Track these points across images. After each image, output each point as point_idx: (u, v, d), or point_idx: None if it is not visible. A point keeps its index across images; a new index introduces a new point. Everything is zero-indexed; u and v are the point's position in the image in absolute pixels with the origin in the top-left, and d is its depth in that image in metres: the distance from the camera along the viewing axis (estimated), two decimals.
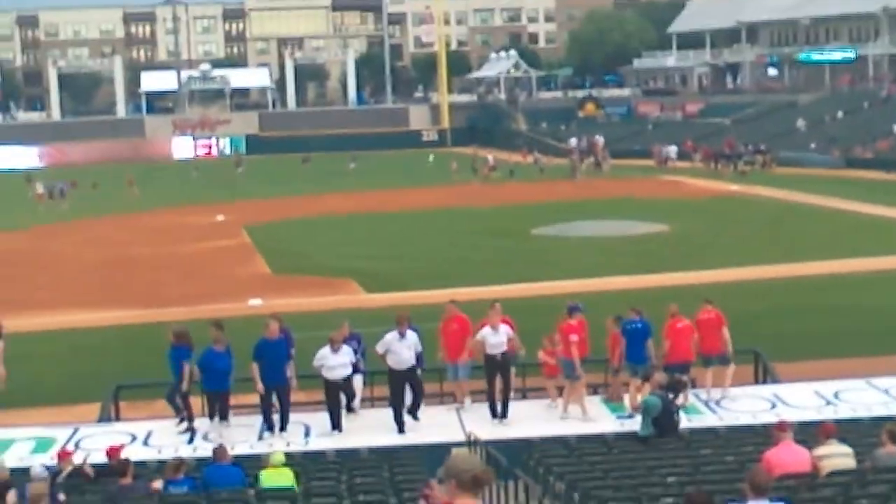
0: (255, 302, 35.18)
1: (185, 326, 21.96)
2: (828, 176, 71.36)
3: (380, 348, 20.35)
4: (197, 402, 21.40)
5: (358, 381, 21.37)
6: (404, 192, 71.25)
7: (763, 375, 23.50)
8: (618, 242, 47.71)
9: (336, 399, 20.49)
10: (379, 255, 45.94)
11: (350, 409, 21.10)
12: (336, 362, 20.14)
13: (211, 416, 20.82)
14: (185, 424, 20.88)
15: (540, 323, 23.19)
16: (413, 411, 20.51)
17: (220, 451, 16.06)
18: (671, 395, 17.83)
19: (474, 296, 30.93)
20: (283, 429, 20.49)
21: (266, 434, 20.45)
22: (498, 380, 20.77)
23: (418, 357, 20.68)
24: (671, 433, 17.69)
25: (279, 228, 56.35)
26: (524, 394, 22.49)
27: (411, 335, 20.26)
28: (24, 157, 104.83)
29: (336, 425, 20.46)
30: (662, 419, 17.45)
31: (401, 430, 20.25)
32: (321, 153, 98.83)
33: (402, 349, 20.07)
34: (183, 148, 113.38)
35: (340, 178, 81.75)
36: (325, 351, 20.21)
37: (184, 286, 39.99)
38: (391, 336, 20.17)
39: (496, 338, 20.31)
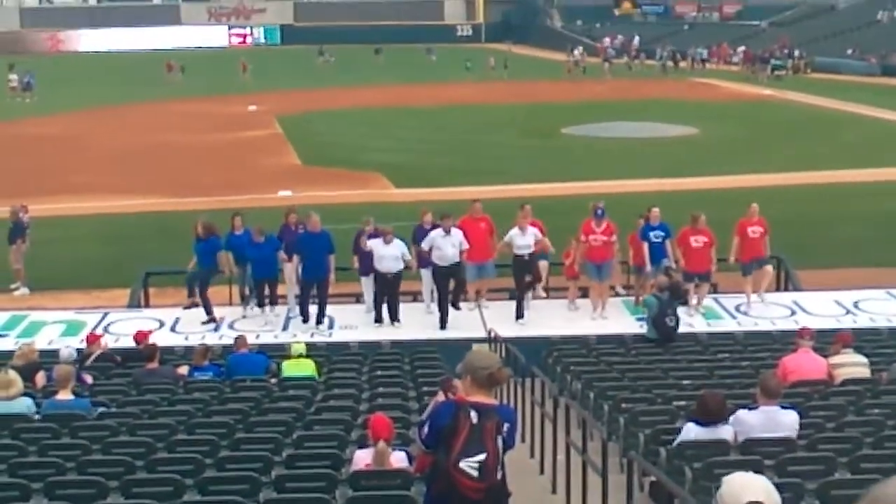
0: (285, 193, 35.36)
1: (210, 218, 22.10)
2: (864, 83, 70.60)
3: (425, 245, 20.59)
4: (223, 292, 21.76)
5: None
6: (435, 87, 70.95)
7: (785, 282, 23.64)
8: (647, 144, 47.56)
9: (383, 291, 20.74)
10: (408, 149, 45.97)
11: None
12: (386, 253, 20.35)
13: (260, 305, 21.20)
14: (208, 318, 21.18)
15: (566, 222, 23.31)
16: (455, 301, 20.85)
17: (240, 340, 16.37)
18: (673, 299, 17.91)
19: (502, 194, 31.16)
20: (319, 321, 20.76)
21: (303, 325, 20.72)
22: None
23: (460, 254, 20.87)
24: (668, 336, 17.72)
25: (311, 120, 56.38)
26: (546, 293, 22.69)
27: (456, 233, 20.48)
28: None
29: (379, 318, 20.82)
30: (657, 320, 17.57)
31: (443, 325, 20.60)
32: (356, 45, 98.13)
33: (446, 245, 20.32)
34: (216, 37, 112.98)
35: (369, 70, 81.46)
36: (377, 242, 20.44)
37: (215, 175, 40.21)
38: (436, 233, 20.41)
39: (523, 240, 20.54)
